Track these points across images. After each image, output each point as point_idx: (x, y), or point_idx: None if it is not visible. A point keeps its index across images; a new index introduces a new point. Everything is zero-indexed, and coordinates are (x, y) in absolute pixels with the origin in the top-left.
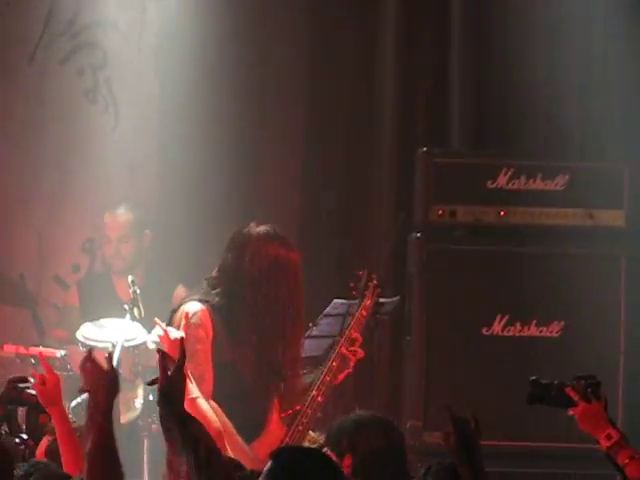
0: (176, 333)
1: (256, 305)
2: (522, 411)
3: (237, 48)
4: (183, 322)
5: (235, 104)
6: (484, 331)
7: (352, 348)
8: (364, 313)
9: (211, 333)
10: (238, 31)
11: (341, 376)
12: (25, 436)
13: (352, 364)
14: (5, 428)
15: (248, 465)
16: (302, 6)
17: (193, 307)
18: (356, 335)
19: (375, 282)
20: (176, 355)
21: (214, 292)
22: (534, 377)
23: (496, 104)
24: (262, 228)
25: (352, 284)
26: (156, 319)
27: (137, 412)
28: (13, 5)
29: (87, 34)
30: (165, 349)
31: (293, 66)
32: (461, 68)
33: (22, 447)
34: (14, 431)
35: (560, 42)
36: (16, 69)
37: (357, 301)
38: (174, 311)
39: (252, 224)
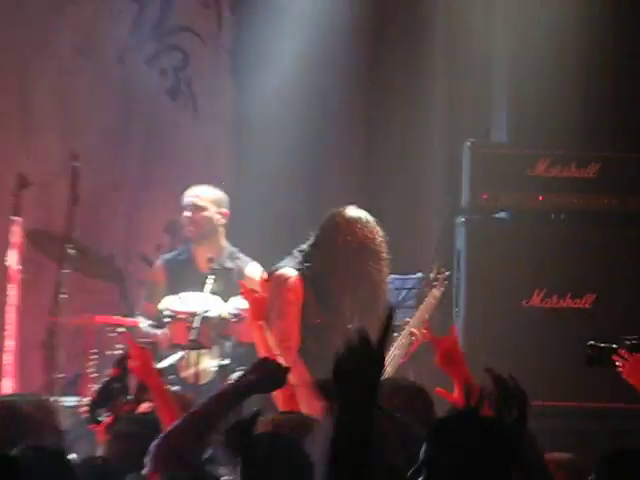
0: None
1: (347, 279)
2: (557, 373)
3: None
4: (277, 284)
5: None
6: (524, 303)
7: (420, 330)
8: (433, 301)
9: (301, 298)
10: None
11: (408, 352)
12: (131, 397)
13: (417, 344)
14: (118, 385)
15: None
16: None
17: (287, 273)
18: (424, 319)
19: (445, 275)
20: (256, 312)
21: (307, 264)
22: (592, 341)
23: (534, 99)
24: (354, 212)
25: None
26: (243, 281)
27: (213, 375)
28: (102, 11)
29: (170, 38)
30: (249, 306)
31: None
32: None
33: (128, 406)
34: (124, 391)
35: None
36: (107, 68)
37: (430, 289)
38: (269, 274)
39: (347, 207)
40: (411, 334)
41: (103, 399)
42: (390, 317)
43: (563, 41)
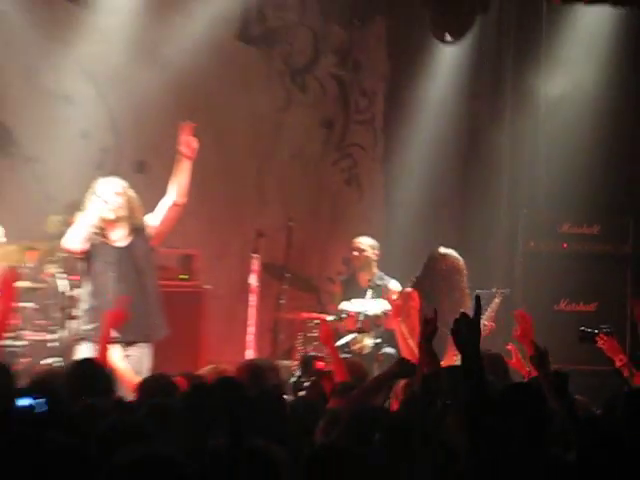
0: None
1: (446, 292)
2: (573, 349)
3: None
4: (407, 296)
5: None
6: (555, 307)
7: (489, 322)
8: (495, 306)
9: (418, 305)
10: None
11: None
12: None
13: (487, 332)
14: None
15: None
16: None
17: (410, 289)
18: (490, 323)
19: (502, 290)
20: (396, 311)
21: (421, 284)
22: (582, 327)
23: (561, 187)
24: (445, 250)
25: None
26: (391, 295)
27: (370, 348)
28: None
29: (346, 149)
30: (392, 307)
31: None
32: None
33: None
34: (307, 373)
35: None
36: (308, 166)
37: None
38: (400, 293)
39: (440, 247)
40: (484, 325)
41: (304, 362)
42: (478, 303)
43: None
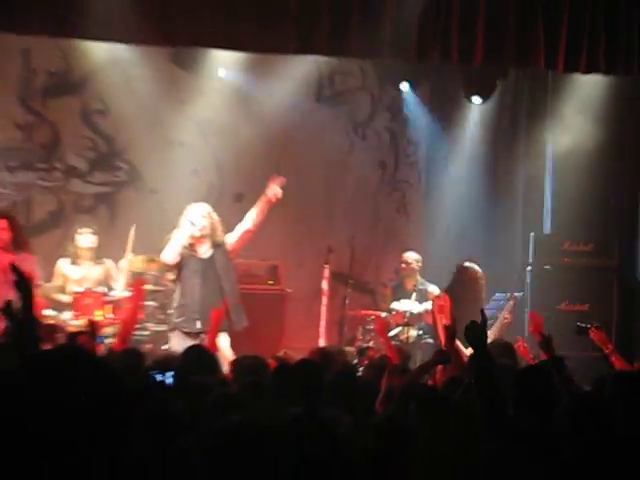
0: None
1: (467, 296)
2: (571, 339)
3: None
4: (442, 298)
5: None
6: (557, 307)
7: (508, 317)
8: (509, 307)
9: (449, 305)
10: None
11: (504, 326)
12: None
13: (506, 325)
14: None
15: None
16: None
17: (443, 293)
18: (507, 318)
19: (516, 295)
20: (438, 308)
21: (450, 289)
22: (578, 322)
23: (564, 211)
24: (469, 264)
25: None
26: (432, 297)
27: (415, 338)
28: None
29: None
30: (434, 306)
31: None
32: None
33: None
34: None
35: None
36: (364, 192)
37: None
38: (437, 295)
39: (465, 262)
40: (504, 318)
41: (360, 351)
42: (484, 314)
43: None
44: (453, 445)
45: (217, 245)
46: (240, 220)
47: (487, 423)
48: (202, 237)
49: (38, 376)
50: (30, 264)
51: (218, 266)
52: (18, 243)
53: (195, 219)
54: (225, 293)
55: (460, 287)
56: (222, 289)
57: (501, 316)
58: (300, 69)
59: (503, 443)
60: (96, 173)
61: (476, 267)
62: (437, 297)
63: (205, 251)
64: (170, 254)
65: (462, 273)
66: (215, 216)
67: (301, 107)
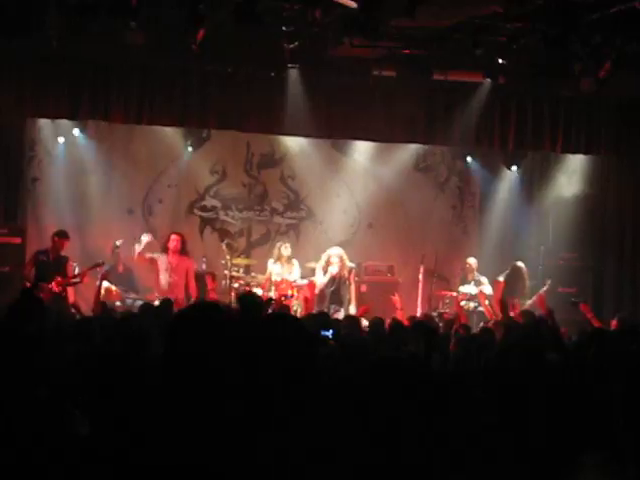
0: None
1: (514, 285)
2: (567, 309)
3: None
4: (499, 284)
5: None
6: (557, 290)
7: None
8: (544, 288)
9: (501, 288)
10: None
11: (536, 301)
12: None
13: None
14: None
15: None
16: None
17: (500, 280)
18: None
19: (547, 282)
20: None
21: (506, 280)
22: (572, 299)
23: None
24: (519, 263)
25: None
26: (494, 282)
27: (472, 308)
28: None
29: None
30: (494, 291)
31: None
32: None
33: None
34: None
35: None
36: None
37: None
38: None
39: (518, 262)
40: (539, 295)
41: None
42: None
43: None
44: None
45: (345, 272)
46: (370, 242)
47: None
48: (335, 270)
49: (274, 328)
50: (189, 265)
51: (341, 286)
52: (185, 251)
53: (332, 259)
54: (344, 300)
55: (513, 277)
56: (344, 297)
57: (538, 293)
58: (406, 152)
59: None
60: (288, 212)
61: (522, 265)
62: (497, 282)
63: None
64: (320, 283)
65: (514, 269)
66: (345, 257)
67: (406, 174)
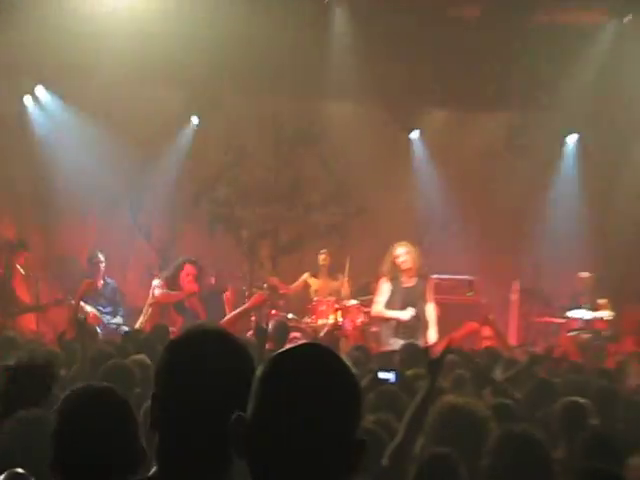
0: None
1: None
2: None
3: None
4: None
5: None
6: None
7: None
8: None
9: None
10: None
11: None
12: None
13: None
14: None
15: None
16: None
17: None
18: None
19: None
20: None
21: None
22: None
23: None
24: None
25: None
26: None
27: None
28: None
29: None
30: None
31: None
32: None
33: None
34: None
35: None
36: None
37: None
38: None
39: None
40: None
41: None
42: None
43: None
44: None
45: (419, 275)
46: (444, 249)
47: None
48: (406, 270)
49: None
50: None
51: (418, 292)
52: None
53: (401, 256)
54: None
55: None
56: (422, 308)
57: None
58: (495, 124)
59: None
60: (329, 207)
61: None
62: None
63: (409, 281)
64: (378, 309)
65: None
66: (415, 252)
67: (494, 155)
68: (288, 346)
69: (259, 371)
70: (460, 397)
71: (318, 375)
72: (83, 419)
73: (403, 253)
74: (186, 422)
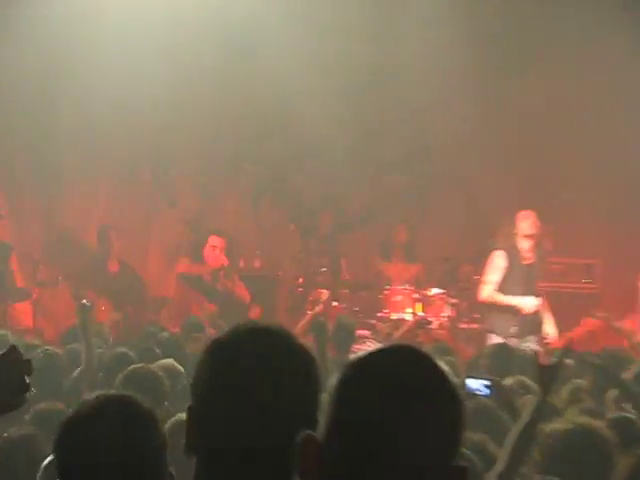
0: None
1: None
2: None
3: None
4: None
5: None
6: None
7: None
8: None
9: None
10: None
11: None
12: None
13: None
14: None
15: None
16: None
17: None
18: None
19: None
20: None
21: None
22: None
23: None
24: None
25: None
26: None
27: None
28: None
29: None
30: None
31: None
32: None
33: None
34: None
35: None
36: None
37: None
38: None
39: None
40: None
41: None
42: None
43: None
44: None
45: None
46: (557, 226)
47: None
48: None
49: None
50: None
51: (536, 268)
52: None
53: (525, 230)
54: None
55: None
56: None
57: None
58: None
59: None
60: (406, 165)
61: None
62: None
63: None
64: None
65: None
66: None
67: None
68: (358, 349)
69: (338, 383)
70: (580, 417)
71: (423, 393)
72: (92, 444)
73: (529, 225)
74: (233, 444)
